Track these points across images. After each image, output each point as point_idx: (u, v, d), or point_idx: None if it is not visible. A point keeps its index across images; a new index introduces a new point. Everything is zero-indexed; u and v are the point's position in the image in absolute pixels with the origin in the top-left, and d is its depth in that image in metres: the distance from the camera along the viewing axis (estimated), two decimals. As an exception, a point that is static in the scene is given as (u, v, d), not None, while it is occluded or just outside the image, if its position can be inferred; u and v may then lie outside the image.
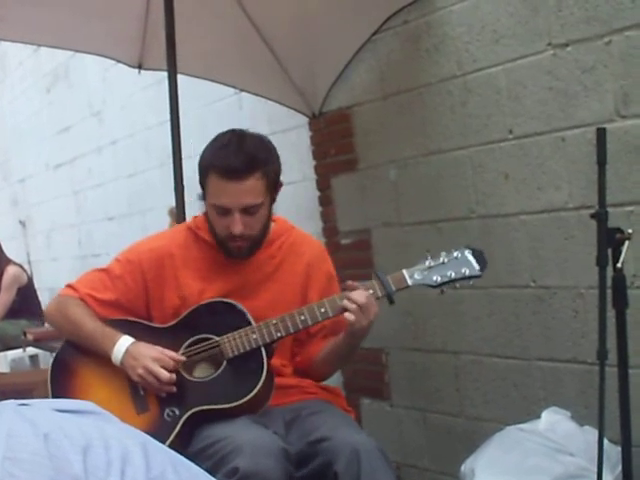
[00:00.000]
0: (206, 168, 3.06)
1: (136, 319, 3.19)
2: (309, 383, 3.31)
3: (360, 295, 3.00)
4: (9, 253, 9.38)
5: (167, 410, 3.04)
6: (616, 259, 2.65)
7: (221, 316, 3.11)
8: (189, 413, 3.01)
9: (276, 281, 3.23)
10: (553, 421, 3.26)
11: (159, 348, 3.06)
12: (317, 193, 5.07)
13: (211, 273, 3.20)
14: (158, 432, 2.95)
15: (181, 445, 2.98)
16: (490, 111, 3.87)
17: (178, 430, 2.99)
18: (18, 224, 9.88)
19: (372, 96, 4.55)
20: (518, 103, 3.73)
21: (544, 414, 3.33)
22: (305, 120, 5.05)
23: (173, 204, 4.41)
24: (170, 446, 2.87)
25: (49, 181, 9.04)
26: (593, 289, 3.50)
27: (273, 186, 3.11)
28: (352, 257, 4.86)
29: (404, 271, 3.07)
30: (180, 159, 4.22)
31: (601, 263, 2.64)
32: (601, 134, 2.66)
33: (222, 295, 3.16)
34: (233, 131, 3.11)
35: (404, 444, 4.72)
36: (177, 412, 3.02)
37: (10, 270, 8.03)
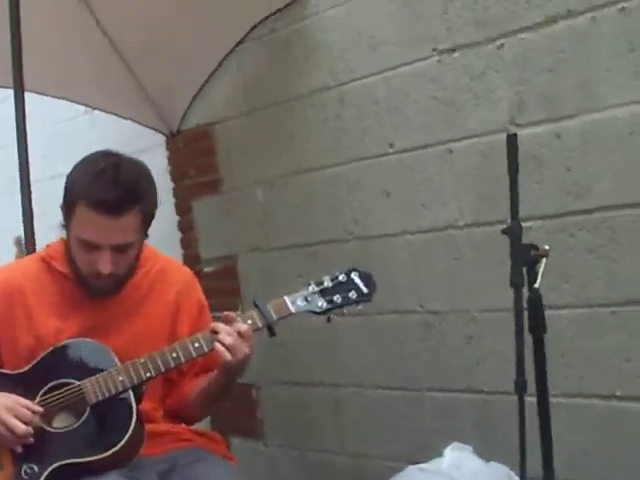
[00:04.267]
0: (75, 197, 2.68)
1: None
2: (183, 429, 2.96)
3: (236, 328, 2.67)
4: None
5: (25, 467, 2.64)
6: (532, 279, 2.39)
7: (82, 357, 2.74)
8: (50, 469, 2.62)
9: (141, 314, 2.87)
10: (457, 458, 2.98)
11: (12, 396, 2.67)
12: (176, 218, 4.71)
13: (68, 309, 2.82)
14: None
15: (44, 509, 2.62)
16: (368, 124, 3.60)
17: None
18: None
19: (236, 111, 4.24)
20: (399, 114, 3.48)
21: (447, 451, 3.05)
22: (162, 139, 4.70)
23: (20, 233, 3.98)
24: None
25: None
26: (488, 312, 3.29)
27: (149, 222, 2.77)
28: (216, 286, 4.49)
29: (286, 298, 2.74)
30: (28, 183, 3.80)
31: (516, 283, 2.37)
32: (512, 140, 2.39)
33: (82, 333, 2.79)
34: (107, 155, 2.74)
35: (280, 486, 4.39)
36: (36, 469, 2.63)
37: None
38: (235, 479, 2.69)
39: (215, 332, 2.66)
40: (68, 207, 2.70)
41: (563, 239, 3.04)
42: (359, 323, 3.75)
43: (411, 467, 3.07)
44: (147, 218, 2.73)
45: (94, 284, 2.76)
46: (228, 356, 2.63)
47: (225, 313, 2.74)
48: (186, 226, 4.66)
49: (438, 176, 3.39)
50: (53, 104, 4.94)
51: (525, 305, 2.40)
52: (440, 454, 3.10)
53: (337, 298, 2.74)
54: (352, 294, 2.76)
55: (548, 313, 2.42)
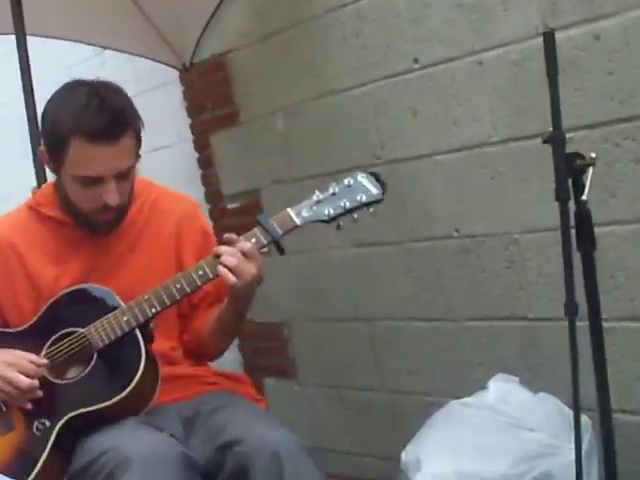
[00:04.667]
0: (66, 134, 2.48)
1: None
2: (208, 371, 2.80)
3: (239, 247, 2.47)
4: None
5: (36, 423, 2.49)
6: (579, 191, 2.16)
7: (84, 304, 2.59)
8: (62, 422, 2.46)
9: (141, 250, 2.70)
10: (503, 391, 2.78)
11: (15, 351, 2.52)
12: (195, 155, 4.50)
13: (64, 254, 2.66)
14: (29, 451, 2.47)
15: (61, 464, 2.46)
16: (390, 39, 3.36)
17: (52, 444, 2.45)
18: None
19: (249, 38, 3.99)
20: (422, 26, 3.24)
21: (491, 383, 2.85)
22: (176, 74, 4.46)
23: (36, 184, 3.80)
24: (46, 465, 2.40)
25: None
26: (530, 232, 3.07)
27: (140, 143, 2.60)
28: (241, 223, 4.27)
29: (289, 210, 2.52)
30: (38, 134, 3.59)
31: (562, 196, 2.14)
32: (549, 38, 2.14)
33: (81, 278, 2.63)
34: (80, 84, 2.56)
35: (318, 426, 4.21)
36: (48, 423, 2.48)
37: None
38: (267, 423, 2.49)
39: (218, 256, 2.48)
40: (58, 147, 2.51)
41: (608, 149, 2.81)
42: (393, 252, 3.56)
43: (453, 402, 2.87)
44: (139, 138, 2.58)
45: (99, 220, 2.60)
46: (233, 278, 2.44)
47: (226, 235, 2.54)
48: (206, 162, 4.45)
49: (468, 90, 3.15)
50: (59, 49, 4.75)
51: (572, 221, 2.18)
52: (484, 387, 2.90)
53: (344, 203, 2.51)
54: (360, 197, 2.52)
55: (595, 231, 2.20)
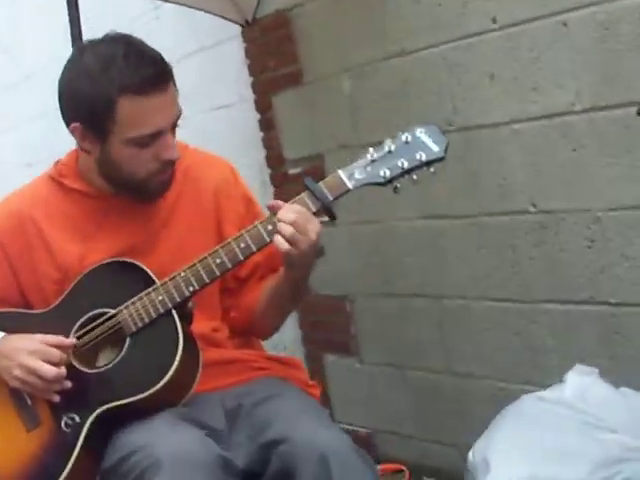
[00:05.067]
0: (112, 95, 2.24)
1: (4, 309, 2.42)
2: (255, 355, 2.56)
3: (288, 213, 2.21)
4: None
5: (65, 418, 2.27)
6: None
7: (114, 282, 2.35)
8: (92, 417, 2.24)
9: (178, 222, 2.45)
10: (582, 386, 2.53)
11: (37, 336, 2.29)
12: (257, 116, 4.25)
13: (91, 231, 2.42)
14: (58, 450, 2.26)
15: (92, 461, 2.25)
16: (466, -4, 3.09)
17: (82, 443, 2.23)
18: None
19: (315, -8, 3.73)
20: (502, -18, 2.95)
21: (569, 376, 2.59)
22: (237, 30, 4.21)
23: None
24: (77, 464, 2.18)
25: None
26: (614, 210, 2.80)
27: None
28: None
29: (340, 172, 2.26)
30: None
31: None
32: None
33: (110, 255, 2.39)
34: (102, 42, 2.32)
35: (380, 407, 3.99)
36: (77, 419, 2.26)
37: None
38: (317, 420, 2.26)
39: (266, 223, 2.24)
40: (103, 114, 2.26)
41: None
42: (463, 226, 3.31)
43: (527, 396, 2.61)
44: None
45: (158, 182, 2.36)
46: (286, 246, 2.18)
47: (271, 202, 2.30)
48: (267, 124, 4.20)
49: (550, 54, 2.87)
50: (113, 3, 4.58)
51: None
52: (559, 376, 2.65)
53: (402, 163, 2.24)
54: (420, 155, 2.24)
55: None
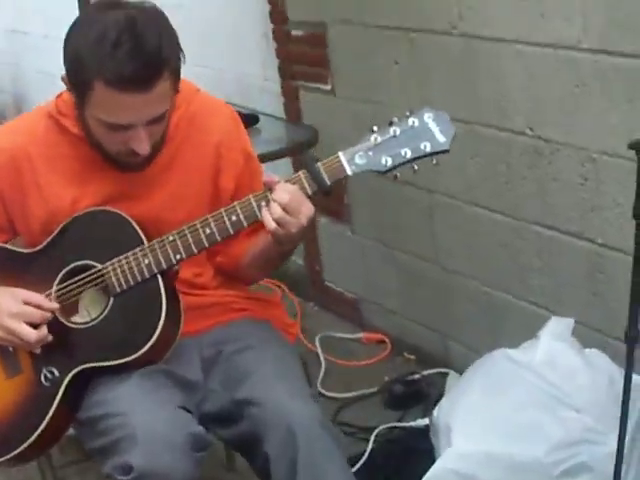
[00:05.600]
0: (89, 77, 2.12)
1: None
2: (235, 295, 2.54)
3: (282, 193, 2.15)
4: None
5: (44, 371, 2.29)
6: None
7: (102, 232, 2.31)
8: (71, 375, 2.27)
9: (175, 170, 2.38)
10: (553, 349, 2.53)
11: (21, 294, 2.27)
12: (262, -35, 4.07)
13: (86, 174, 2.34)
14: (36, 402, 2.29)
15: (68, 412, 2.31)
16: None
17: (60, 398, 2.28)
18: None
19: None
20: None
21: (543, 335, 2.59)
22: None
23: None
24: (54, 417, 2.25)
25: None
26: (608, 156, 2.73)
27: (178, 78, 2.22)
28: (305, 52, 3.97)
29: (341, 155, 2.18)
30: None
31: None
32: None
33: (103, 201, 2.33)
34: (115, 8, 2.16)
35: (368, 279, 4.03)
36: (56, 373, 2.28)
37: None
38: (289, 386, 2.29)
39: (258, 198, 2.19)
40: (81, 87, 2.16)
41: None
42: (461, 133, 3.17)
43: (499, 351, 2.61)
44: (177, 76, 2.21)
45: (126, 161, 2.29)
46: (274, 226, 2.14)
47: (266, 178, 2.22)
48: (272, -23, 4.03)
49: (561, -18, 2.72)
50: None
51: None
52: (542, 297, 2.73)
53: (405, 152, 2.18)
54: (424, 145, 2.18)
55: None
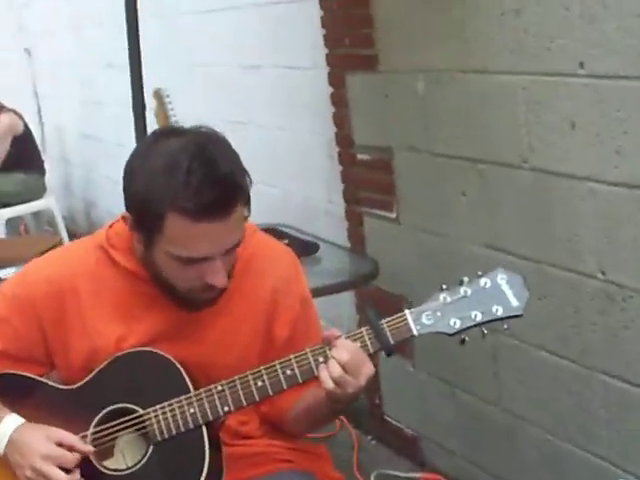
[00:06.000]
0: (162, 209, 1.99)
1: (29, 374, 2.25)
2: (280, 446, 2.37)
3: (342, 352, 2.03)
4: (14, 83, 8.44)
5: None
6: None
7: (147, 375, 2.17)
8: None
9: (228, 313, 2.23)
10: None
11: (54, 434, 2.12)
12: (329, 89, 3.97)
13: (133, 311, 2.21)
14: None
15: None
16: (554, 31, 2.74)
17: None
18: (24, 52, 8.80)
19: (398, -22, 3.40)
20: (595, 27, 2.61)
21: None
22: (313, -9, 3.91)
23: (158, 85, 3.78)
24: None
25: (53, 8, 7.86)
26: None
27: (249, 202, 2.10)
28: (371, 178, 3.84)
29: (407, 314, 2.07)
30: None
31: None
32: None
33: (150, 340, 2.19)
34: (178, 135, 2.06)
35: (428, 416, 3.84)
36: None
37: (3, 118, 7.06)
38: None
39: (316, 353, 2.07)
40: (151, 221, 2.03)
41: None
42: (530, 272, 3.01)
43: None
44: (248, 200, 2.08)
45: (199, 298, 2.14)
46: (331, 385, 2.03)
47: (327, 332, 2.09)
48: (339, 100, 3.92)
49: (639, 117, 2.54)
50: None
51: None
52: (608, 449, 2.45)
53: (475, 315, 2.07)
54: (496, 309, 2.06)
55: None
